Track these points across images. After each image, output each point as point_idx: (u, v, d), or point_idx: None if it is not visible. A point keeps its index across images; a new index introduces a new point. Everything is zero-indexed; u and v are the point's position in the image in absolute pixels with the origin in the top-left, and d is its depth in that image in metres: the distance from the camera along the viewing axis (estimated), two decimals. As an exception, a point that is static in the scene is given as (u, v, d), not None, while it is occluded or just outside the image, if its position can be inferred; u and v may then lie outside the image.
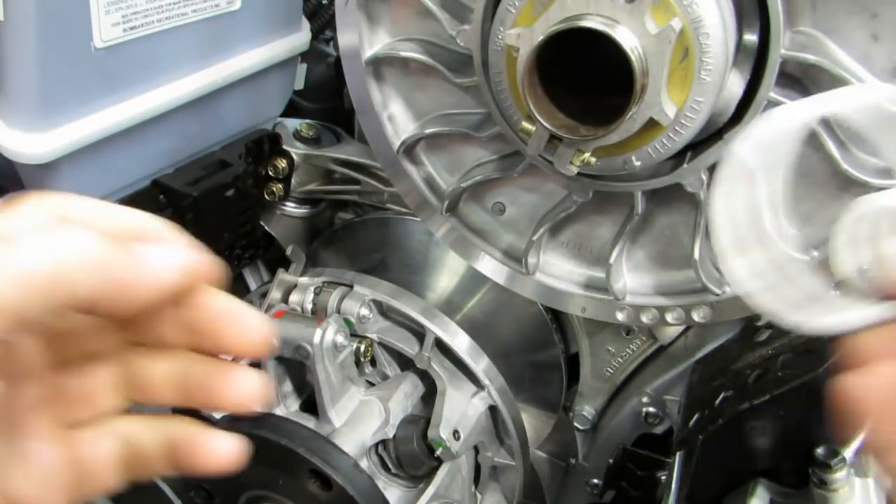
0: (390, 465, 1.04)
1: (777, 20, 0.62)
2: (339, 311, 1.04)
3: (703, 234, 0.76)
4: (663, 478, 1.11)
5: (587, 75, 0.67)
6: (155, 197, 0.94)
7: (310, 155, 1.19)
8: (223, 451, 0.41)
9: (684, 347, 1.01)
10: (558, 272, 0.89)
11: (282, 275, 1.08)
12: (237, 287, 1.24)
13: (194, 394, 0.41)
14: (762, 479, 0.82)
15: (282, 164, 1.16)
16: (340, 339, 0.97)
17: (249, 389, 0.41)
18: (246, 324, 0.40)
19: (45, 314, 0.33)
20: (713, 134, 0.70)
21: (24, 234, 0.33)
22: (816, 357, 0.73)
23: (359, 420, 0.99)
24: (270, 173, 1.16)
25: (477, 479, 1.14)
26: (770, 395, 0.74)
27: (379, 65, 0.83)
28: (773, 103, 0.66)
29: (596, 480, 1.16)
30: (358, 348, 1.03)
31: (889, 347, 0.33)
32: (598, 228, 0.85)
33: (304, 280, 1.08)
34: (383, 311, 1.07)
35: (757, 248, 0.35)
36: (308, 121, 1.23)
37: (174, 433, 0.41)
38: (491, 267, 0.91)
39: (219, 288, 0.40)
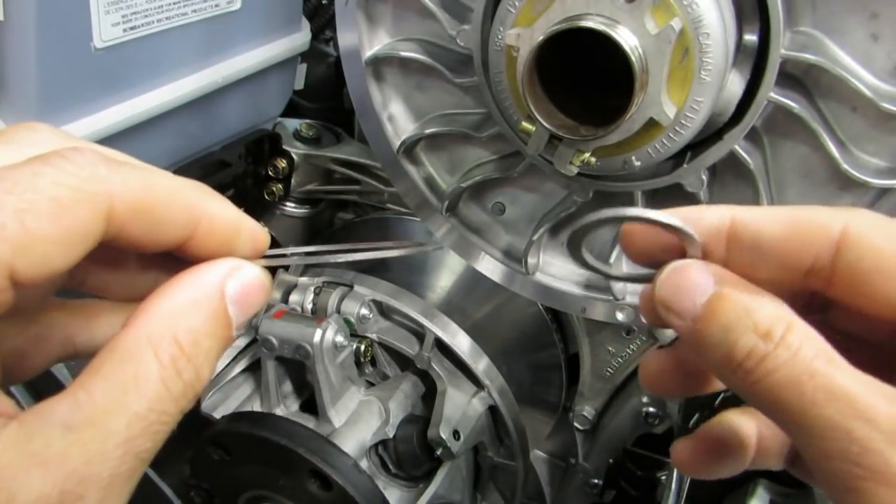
0: (390, 465, 1.04)
1: (777, 20, 0.62)
2: (339, 311, 1.04)
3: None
4: (663, 478, 1.11)
5: (587, 75, 0.67)
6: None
7: (310, 155, 1.19)
8: None
9: (684, 347, 1.01)
10: (558, 272, 0.89)
11: (282, 275, 1.08)
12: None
13: None
14: (762, 479, 0.82)
15: (282, 164, 1.16)
16: (340, 339, 0.97)
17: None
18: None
19: None
20: (713, 134, 0.70)
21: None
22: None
23: (359, 420, 0.99)
24: (270, 173, 1.17)
25: (477, 479, 1.14)
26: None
27: (379, 65, 0.83)
28: (773, 103, 0.66)
29: (596, 480, 1.16)
30: (358, 348, 1.03)
31: None
32: (598, 228, 0.85)
33: (304, 280, 1.08)
34: (383, 311, 1.07)
35: None
36: (308, 121, 1.24)
37: None
38: (491, 267, 0.91)
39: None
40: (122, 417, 0.31)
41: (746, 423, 0.44)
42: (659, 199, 0.79)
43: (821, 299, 0.38)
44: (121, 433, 0.31)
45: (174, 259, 0.37)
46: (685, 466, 0.44)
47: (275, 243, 1.20)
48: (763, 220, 0.36)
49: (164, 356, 0.33)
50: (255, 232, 0.39)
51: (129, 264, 0.41)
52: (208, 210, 0.37)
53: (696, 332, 0.36)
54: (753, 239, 0.36)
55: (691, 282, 0.37)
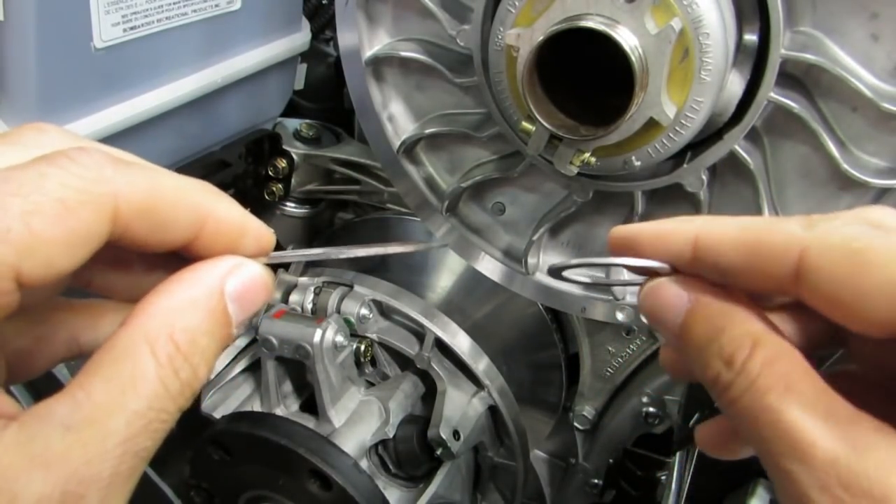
0: (390, 465, 1.04)
1: (777, 20, 0.62)
2: (339, 311, 1.04)
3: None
4: (663, 478, 1.11)
5: (587, 75, 0.67)
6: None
7: (310, 155, 1.19)
8: None
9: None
10: (558, 272, 0.89)
11: (282, 275, 1.08)
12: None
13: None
14: (762, 480, 0.82)
15: (282, 164, 1.16)
16: (340, 339, 0.97)
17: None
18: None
19: None
20: (713, 134, 0.70)
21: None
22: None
23: (359, 420, 0.99)
24: (270, 173, 1.17)
25: (477, 479, 1.14)
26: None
27: (379, 65, 0.83)
28: (773, 103, 0.66)
29: (596, 480, 1.16)
30: (358, 348, 1.03)
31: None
32: (598, 228, 0.85)
33: (304, 280, 1.08)
34: (383, 311, 1.07)
35: None
36: (308, 121, 1.24)
37: None
38: (491, 267, 0.91)
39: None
40: (121, 417, 0.31)
41: None
42: (659, 198, 0.79)
43: None
44: (120, 432, 0.31)
45: (180, 259, 0.37)
46: (709, 447, 0.45)
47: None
48: (720, 247, 0.36)
49: (160, 354, 0.32)
50: (260, 232, 0.39)
51: (134, 264, 0.41)
52: (214, 210, 0.37)
53: (680, 347, 0.37)
54: (714, 266, 0.37)
55: (667, 300, 0.38)
